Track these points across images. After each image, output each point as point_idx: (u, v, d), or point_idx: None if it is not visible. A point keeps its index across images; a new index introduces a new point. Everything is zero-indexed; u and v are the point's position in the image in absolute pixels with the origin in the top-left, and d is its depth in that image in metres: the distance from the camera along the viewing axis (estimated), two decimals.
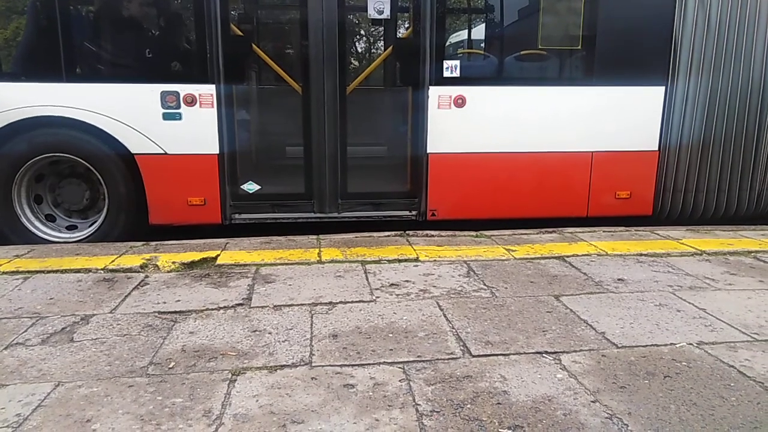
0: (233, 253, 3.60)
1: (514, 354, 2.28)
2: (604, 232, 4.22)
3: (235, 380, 2.06)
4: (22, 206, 4.10)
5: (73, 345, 2.33)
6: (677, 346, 2.37)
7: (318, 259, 3.49)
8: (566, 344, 2.37)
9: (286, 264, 3.40)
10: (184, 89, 4.00)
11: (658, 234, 4.17)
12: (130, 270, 3.27)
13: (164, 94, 3.98)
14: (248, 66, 4.71)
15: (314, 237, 4.00)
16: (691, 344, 2.38)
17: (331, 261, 3.46)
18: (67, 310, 2.70)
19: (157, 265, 3.33)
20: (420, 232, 4.17)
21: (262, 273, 3.24)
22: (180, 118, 4.02)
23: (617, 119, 4.44)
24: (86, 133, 3.96)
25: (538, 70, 4.60)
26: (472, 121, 4.31)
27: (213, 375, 2.10)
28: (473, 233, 4.14)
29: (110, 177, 4.07)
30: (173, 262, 3.36)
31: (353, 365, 2.18)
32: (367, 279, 3.15)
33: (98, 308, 2.72)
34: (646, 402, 1.94)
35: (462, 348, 2.33)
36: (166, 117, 4.01)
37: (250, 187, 4.31)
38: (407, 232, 4.16)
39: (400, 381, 2.06)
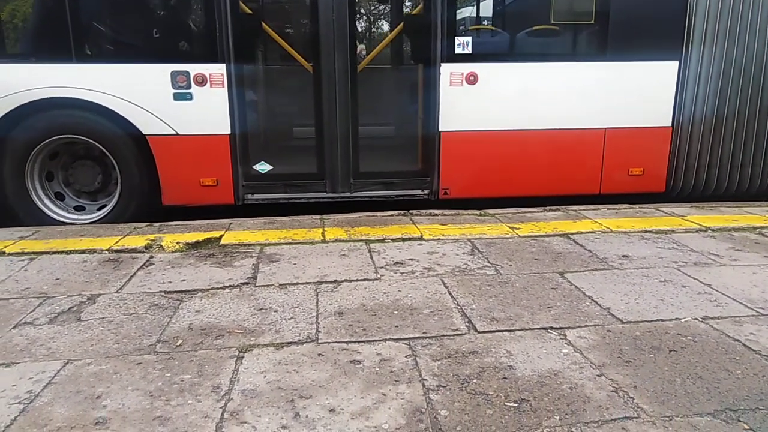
0: (237, 233, 3.60)
1: (519, 330, 2.29)
2: (608, 209, 4.21)
3: (243, 357, 2.08)
4: (35, 186, 4.09)
5: (81, 324, 2.35)
6: (682, 320, 2.37)
7: (322, 238, 3.50)
8: (571, 320, 2.38)
9: (291, 243, 3.40)
10: (194, 69, 3.97)
11: (662, 211, 4.16)
12: (134, 250, 3.28)
13: (174, 74, 3.95)
14: (258, 45, 4.67)
15: (318, 217, 4.00)
16: (696, 319, 2.39)
17: (335, 240, 3.46)
18: (73, 290, 2.71)
19: (161, 246, 3.33)
20: (424, 211, 4.16)
21: (267, 252, 3.24)
22: (191, 99, 4.00)
23: (630, 95, 4.39)
24: (98, 114, 3.95)
25: (550, 46, 4.53)
26: (485, 98, 4.27)
27: (220, 352, 2.11)
28: (477, 212, 4.13)
29: (122, 158, 4.06)
30: (177, 243, 3.37)
31: (359, 342, 2.19)
32: (372, 258, 3.16)
33: (104, 288, 2.73)
34: (651, 376, 1.95)
35: (467, 324, 2.34)
36: (177, 97, 3.99)
37: (262, 167, 4.30)
38: (411, 211, 4.16)
39: (406, 357, 2.08)
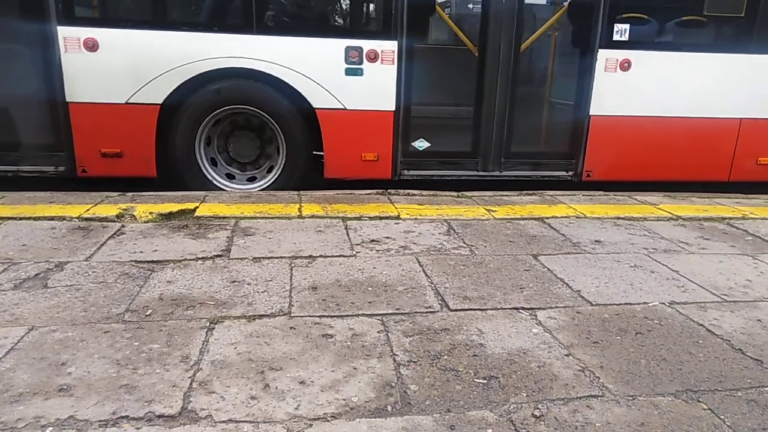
0: (212, 205, 3.55)
1: (491, 309, 2.31)
2: (583, 195, 4.26)
3: (213, 328, 2.06)
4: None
5: (47, 291, 2.29)
6: (650, 305, 2.42)
7: (298, 214, 3.47)
8: (542, 301, 2.41)
9: (266, 218, 3.36)
10: (367, 45, 4.00)
11: (635, 199, 4.23)
12: (105, 219, 3.21)
13: (348, 50, 3.97)
14: (429, 25, 4.68)
15: (295, 193, 3.97)
16: (663, 303, 2.44)
17: (312, 216, 3.44)
18: (40, 256, 2.64)
19: (133, 215, 3.27)
20: (402, 190, 4.15)
21: (242, 226, 3.20)
22: (361, 74, 4.03)
23: None
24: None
25: (699, 37, 4.62)
26: (635, 84, 4.39)
27: (191, 323, 2.09)
28: (455, 193, 4.14)
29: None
30: (150, 213, 3.31)
31: (332, 316, 2.19)
32: (348, 235, 3.14)
33: (73, 256, 2.67)
34: (617, 356, 1.99)
35: (440, 302, 2.35)
36: (348, 72, 4.02)
37: (421, 144, 4.36)
38: (389, 190, 4.15)
39: (378, 332, 2.08)
